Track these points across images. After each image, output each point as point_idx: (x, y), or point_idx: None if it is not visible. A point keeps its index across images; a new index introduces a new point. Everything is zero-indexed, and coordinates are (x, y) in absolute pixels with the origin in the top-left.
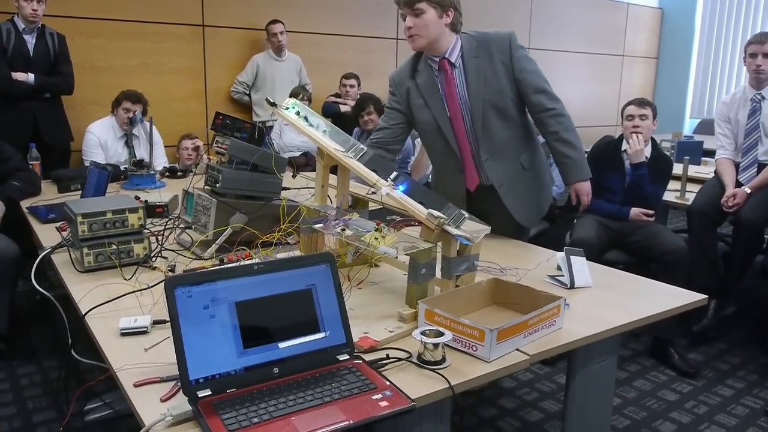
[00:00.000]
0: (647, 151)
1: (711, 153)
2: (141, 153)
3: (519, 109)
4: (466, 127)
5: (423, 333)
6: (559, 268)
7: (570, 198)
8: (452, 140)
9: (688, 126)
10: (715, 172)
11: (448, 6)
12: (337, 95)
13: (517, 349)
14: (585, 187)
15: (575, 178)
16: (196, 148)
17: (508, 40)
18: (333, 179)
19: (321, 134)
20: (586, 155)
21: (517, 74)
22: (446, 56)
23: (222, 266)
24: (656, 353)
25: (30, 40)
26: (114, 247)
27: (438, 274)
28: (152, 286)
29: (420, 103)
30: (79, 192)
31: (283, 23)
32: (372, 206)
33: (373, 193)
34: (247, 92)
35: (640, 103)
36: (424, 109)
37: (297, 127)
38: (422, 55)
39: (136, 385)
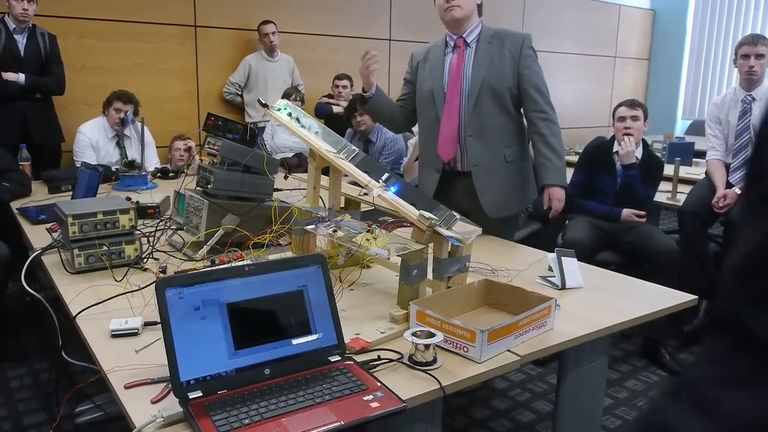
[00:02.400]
0: (638, 153)
1: (702, 154)
2: (132, 154)
3: (515, 104)
4: (461, 102)
5: (414, 334)
6: (550, 268)
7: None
8: (440, 111)
9: (680, 127)
10: (706, 173)
11: None
12: (329, 96)
13: (508, 350)
14: (559, 193)
15: (551, 181)
16: (188, 149)
17: (523, 39)
18: (325, 180)
19: (313, 135)
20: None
21: (522, 69)
22: (464, 36)
23: (213, 267)
24: (647, 354)
25: (21, 40)
26: (105, 248)
27: (429, 275)
28: (143, 288)
29: (425, 74)
30: (70, 193)
31: (275, 24)
32: (364, 207)
33: (365, 194)
34: (240, 93)
35: (632, 104)
36: (426, 79)
37: (289, 129)
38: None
39: (126, 387)
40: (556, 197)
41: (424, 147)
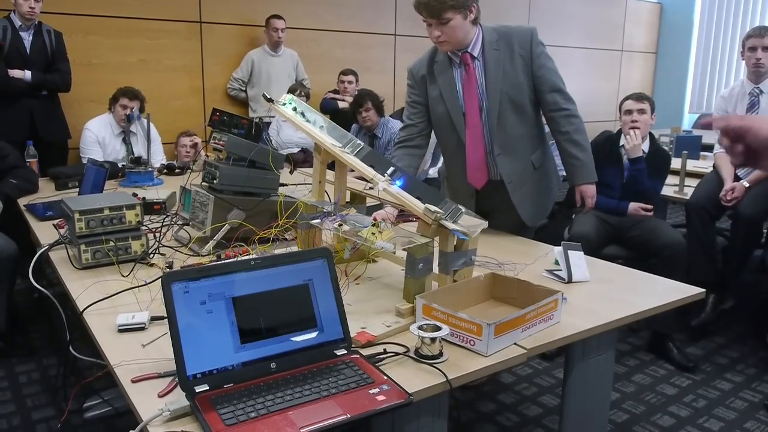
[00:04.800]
0: (645, 146)
1: (710, 148)
2: (138, 150)
3: (534, 107)
4: (482, 120)
5: (420, 327)
6: (556, 262)
7: (568, 194)
8: (463, 135)
9: (687, 121)
10: (714, 166)
11: (471, 3)
12: (335, 91)
13: (514, 344)
14: (590, 190)
15: (582, 180)
16: (194, 146)
17: (530, 35)
18: (330, 175)
19: (318, 130)
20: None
21: (536, 70)
22: (469, 50)
23: (220, 262)
24: (655, 348)
25: (27, 38)
26: (111, 243)
27: (435, 269)
28: (150, 283)
29: (435, 95)
30: (77, 189)
31: (285, 20)
32: (369, 202)
33: (371, 188)
34: (244, 89)
35: (638, 97)
36: (439, 101)
37: (294, 123)
38: None
39: (133, 381)
40: (589, 195)
41: (453, 172)
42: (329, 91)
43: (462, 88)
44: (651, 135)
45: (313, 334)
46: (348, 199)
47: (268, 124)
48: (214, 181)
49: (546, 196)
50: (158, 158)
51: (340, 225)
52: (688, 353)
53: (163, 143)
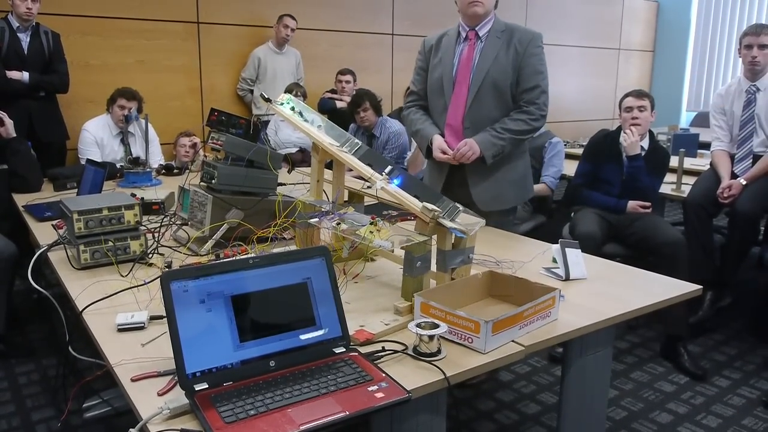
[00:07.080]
0: (645, 143)
1: (707, 146)
2: (137, 150)
3: (515, 101)
4: (467, 94)
5: (418, 325)
6: (554, 260)
7: (566, 193)
8: (448, 100)
9: (685, 119)
10: (711, 164)
11: None
12: (332, 91)
13: (512, 341)
14: (472, 146)
15: (477, 138)
16: (194, 146)
17: (531, 37)
18: (329, 174)
19: (316, 129)
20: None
21: (522, 68)
22: (477, 29)
23: (218, 261)
24: (667, 352)
25: (24, 39)
26: (110, 243)
27: (433, 267)
28: (149, 282)
29: (435, 62)
30: (75, 190)
31: (296, 21)
32: (368, 201)
33: (369, 187)
34: (252, 88)
35: (639, 94)
36: (437, 67)
37: (292, 123)
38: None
39: (133, 380)
40: (465, 148)
41: None
42: (327, 91)
43: (459, 60)
44: (650, 132)
45: (312, 333)
46: (346, 198)
47: (267, 122)
48: (213, 181)
49: (510, 188)
50: (156, 159)
51: (339, 224)
52: (695, 354)
53: (161, 144)
